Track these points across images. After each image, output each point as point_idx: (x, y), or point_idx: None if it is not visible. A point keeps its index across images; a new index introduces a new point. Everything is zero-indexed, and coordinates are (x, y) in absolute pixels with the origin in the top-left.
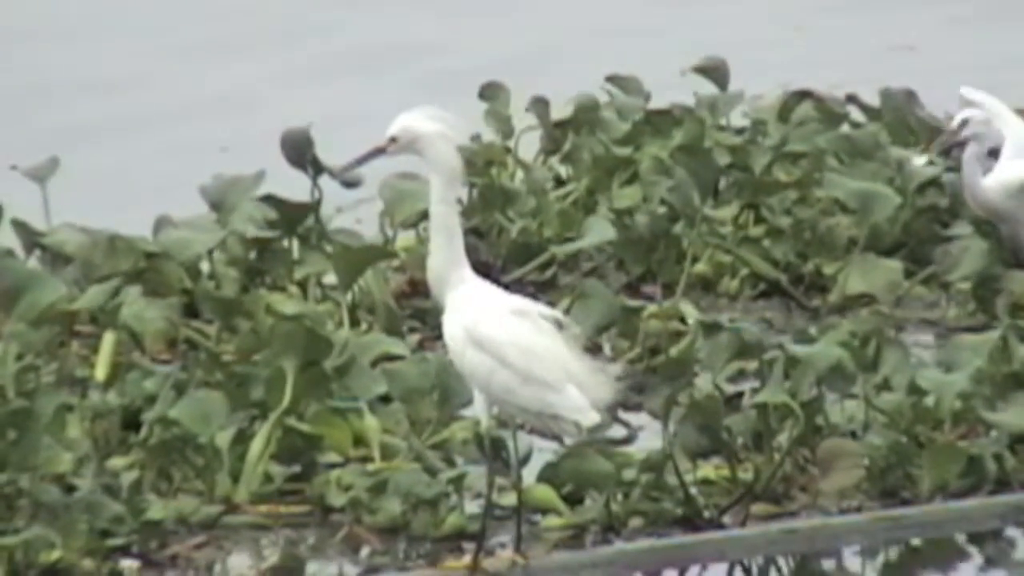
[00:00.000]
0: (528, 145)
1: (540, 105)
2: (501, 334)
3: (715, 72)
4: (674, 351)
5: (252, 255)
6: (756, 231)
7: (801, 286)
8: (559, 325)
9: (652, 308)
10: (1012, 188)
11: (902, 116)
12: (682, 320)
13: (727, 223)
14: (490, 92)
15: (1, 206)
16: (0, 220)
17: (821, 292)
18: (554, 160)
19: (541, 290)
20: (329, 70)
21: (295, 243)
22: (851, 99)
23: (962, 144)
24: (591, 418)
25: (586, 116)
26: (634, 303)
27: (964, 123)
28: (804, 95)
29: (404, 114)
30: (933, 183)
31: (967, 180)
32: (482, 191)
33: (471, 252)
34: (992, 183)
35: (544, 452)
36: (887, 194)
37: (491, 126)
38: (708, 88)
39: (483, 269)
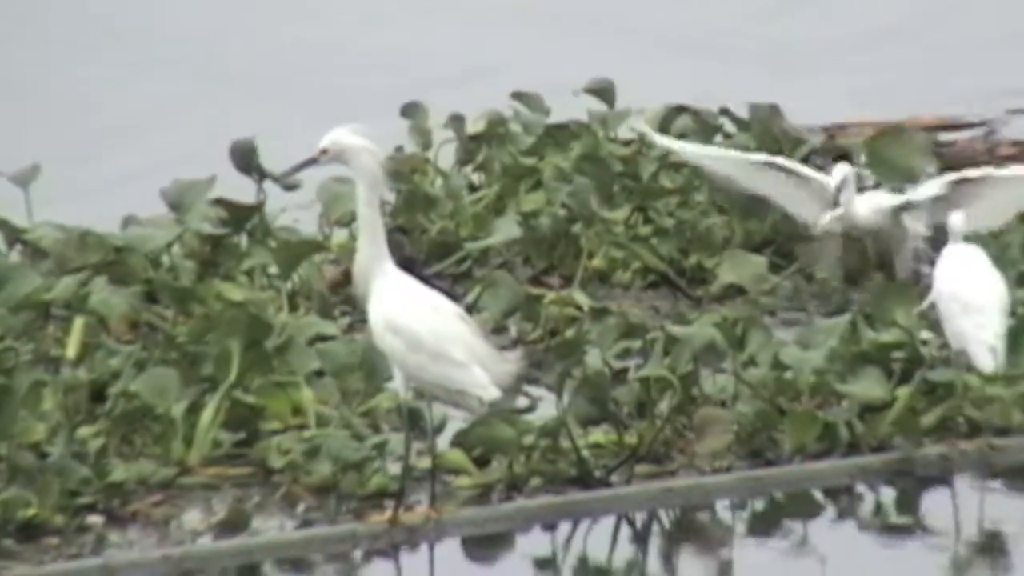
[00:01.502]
0: (446, 156)
1: (456, 121)
2: (415, 322)
3: (604, 92)
4: (569, 333)
5: (207, 249)
6: (645, 230)
7: (684, 278)
8: (463, 318)
9: (552, 296)
10: (883, 209)
11: (768, 128)
12: (578, 307)
13: (619, 223)
14: (411, 110)
15: None
16: None
17: (703, 283)
18: (468, 169)
19: (458, 281)
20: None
21: (244, 239)
22: (724, 112)
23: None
24: (492, 393)
25: (495, 130)
26: (537, 291)
27: (844, 180)
28: (681, 109)
29: (334, 129)
30: None
31: (843, 203)
32: (406, 196)
33: (399, 247)
34: (862, 204)
35: (456, 421)
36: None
37: (413, 139)
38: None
39: (409, 263)
